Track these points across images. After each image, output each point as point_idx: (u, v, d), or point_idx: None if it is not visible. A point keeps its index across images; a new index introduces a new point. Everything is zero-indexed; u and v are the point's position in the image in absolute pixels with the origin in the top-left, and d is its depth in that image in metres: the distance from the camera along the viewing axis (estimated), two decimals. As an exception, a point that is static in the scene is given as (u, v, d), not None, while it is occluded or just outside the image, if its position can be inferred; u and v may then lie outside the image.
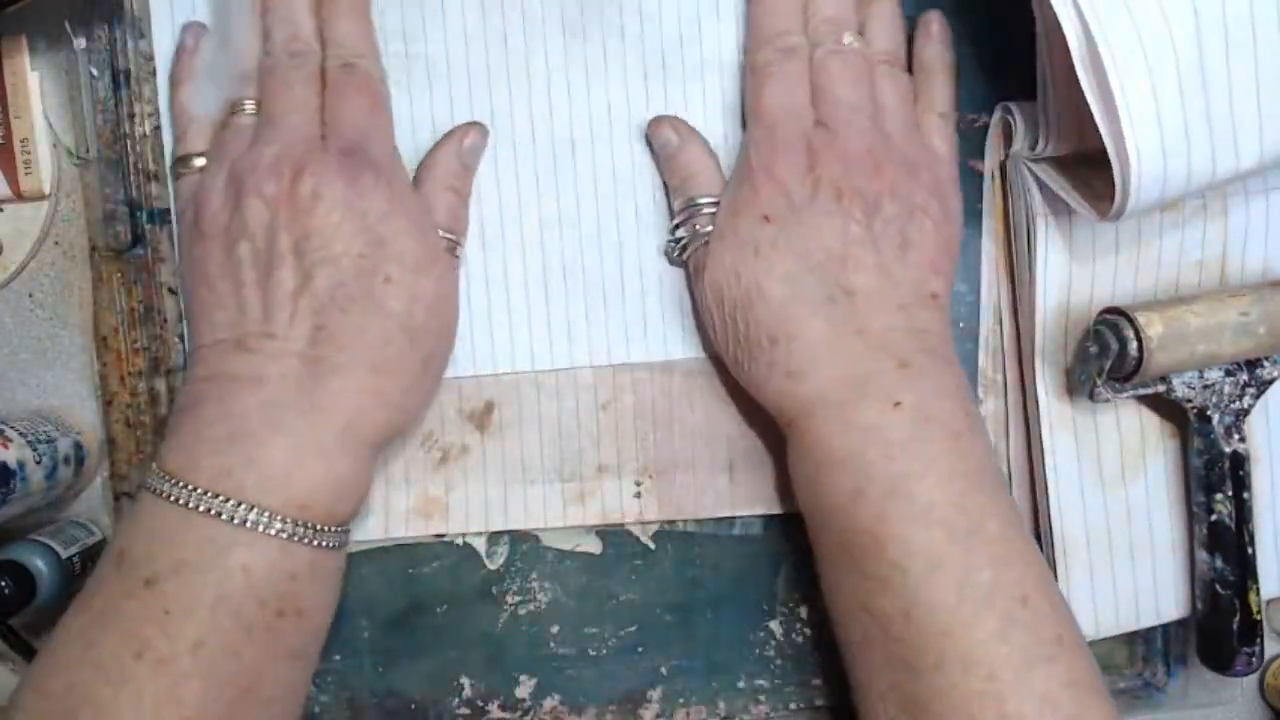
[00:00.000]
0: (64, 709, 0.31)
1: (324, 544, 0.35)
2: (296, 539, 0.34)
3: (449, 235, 0.39)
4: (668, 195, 0.41)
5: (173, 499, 0.33)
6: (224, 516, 0.33)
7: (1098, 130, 0.33)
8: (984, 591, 0.33)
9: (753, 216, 0.37)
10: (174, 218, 0.40)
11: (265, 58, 0.38)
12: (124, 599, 0.33)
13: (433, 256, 0.37)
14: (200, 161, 0.38)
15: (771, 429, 0.42)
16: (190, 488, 0.33)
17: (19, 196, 0.40)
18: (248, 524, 0.33)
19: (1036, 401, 0.41)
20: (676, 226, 0.40)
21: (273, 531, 0.33)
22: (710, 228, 0.39)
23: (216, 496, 0.33)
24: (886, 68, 0.39)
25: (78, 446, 0.40)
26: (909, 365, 0.36)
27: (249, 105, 0.38)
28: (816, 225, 0.36)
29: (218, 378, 0.35)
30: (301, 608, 0.34)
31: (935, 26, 0.41)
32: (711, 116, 0.41)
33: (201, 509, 0.33)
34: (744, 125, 0.40)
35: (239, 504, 0.33)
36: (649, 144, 0.41)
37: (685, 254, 0.40)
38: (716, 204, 0.39)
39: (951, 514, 0.34)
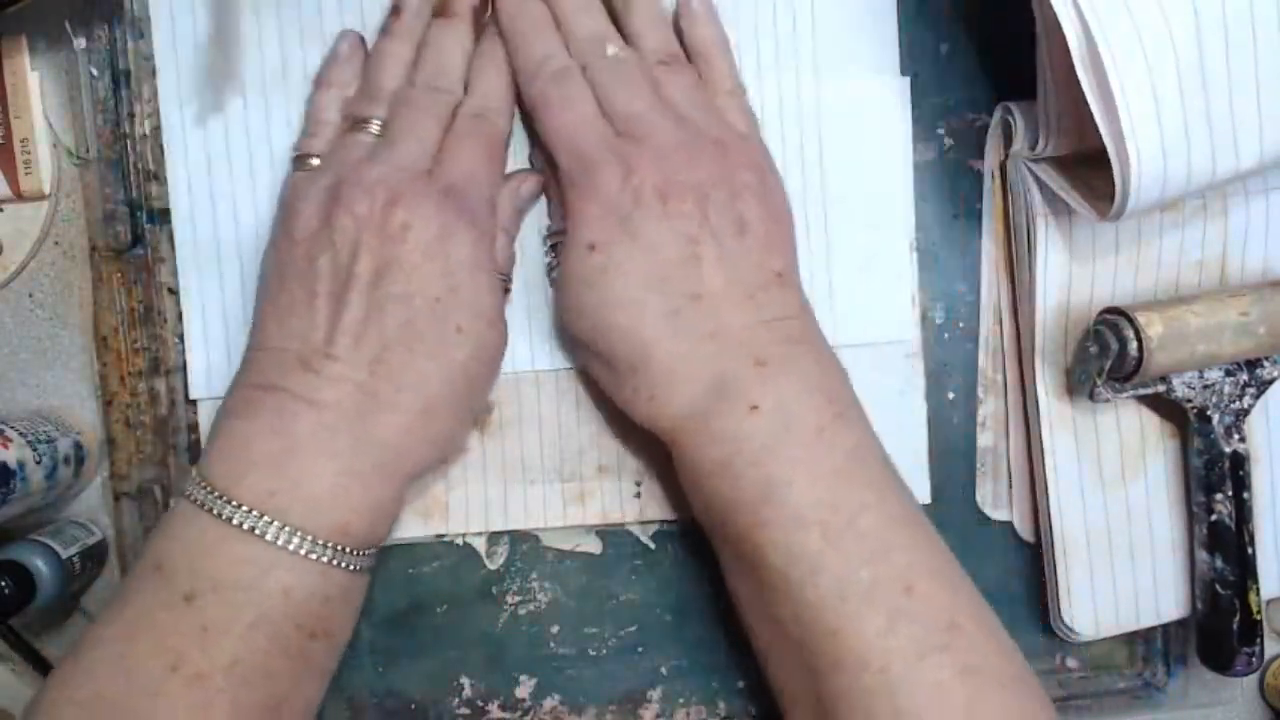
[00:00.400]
0: (91, 717, 0.31)
1: (358, 567, 0.35)
2: (335, 564, 0.34)
3: (503, 276, 0.40)
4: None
5: (215, 513, 0.33)
6: (267, 537, 0.33)
7: (1098, 130, 0.33)
8: (864, 587, 0.33)
9: (581, 249, 0.36)
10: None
11: (407, 86, 0.38)
12: (160, 611, 0.32)
13: (499, 311, 0.38)
14: (315, 162, 0.38)
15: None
16: (235, 504, 0.33)
17: (19, 196, 0.40)
18: (290, 547, 0.33)
19: (1036, 401, 0.41)
20: (549, 249, 0.41)
21: (314, 556, 0.33)
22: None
23: (261, 516, 0.33)
24: (663, 67, 0.38)
25: (78, 446, 0.40)
26: (766, 363, 0.35)
27: (375, 125, 0.38)
28: (648, 236, 0.36)
29: (275, 390, 0.35)
30: (331, 629, 0.35)
31: (695, 5, 0.39)
32: (711, 116, 0.41)
33: (245, 527, 0.33)
34: (548, 167, 0.39)
35: (283, 526, 0.33)
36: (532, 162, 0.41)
37: (554, 276, 0.40)
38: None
39: (823, 513, 0.33)
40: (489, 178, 0.38)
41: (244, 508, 0.33)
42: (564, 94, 0.38)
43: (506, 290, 0.40)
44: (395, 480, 0.36)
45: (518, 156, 0.41)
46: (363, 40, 0.40)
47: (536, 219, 0.41)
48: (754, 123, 0.40)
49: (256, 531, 0.33)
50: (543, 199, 0.41)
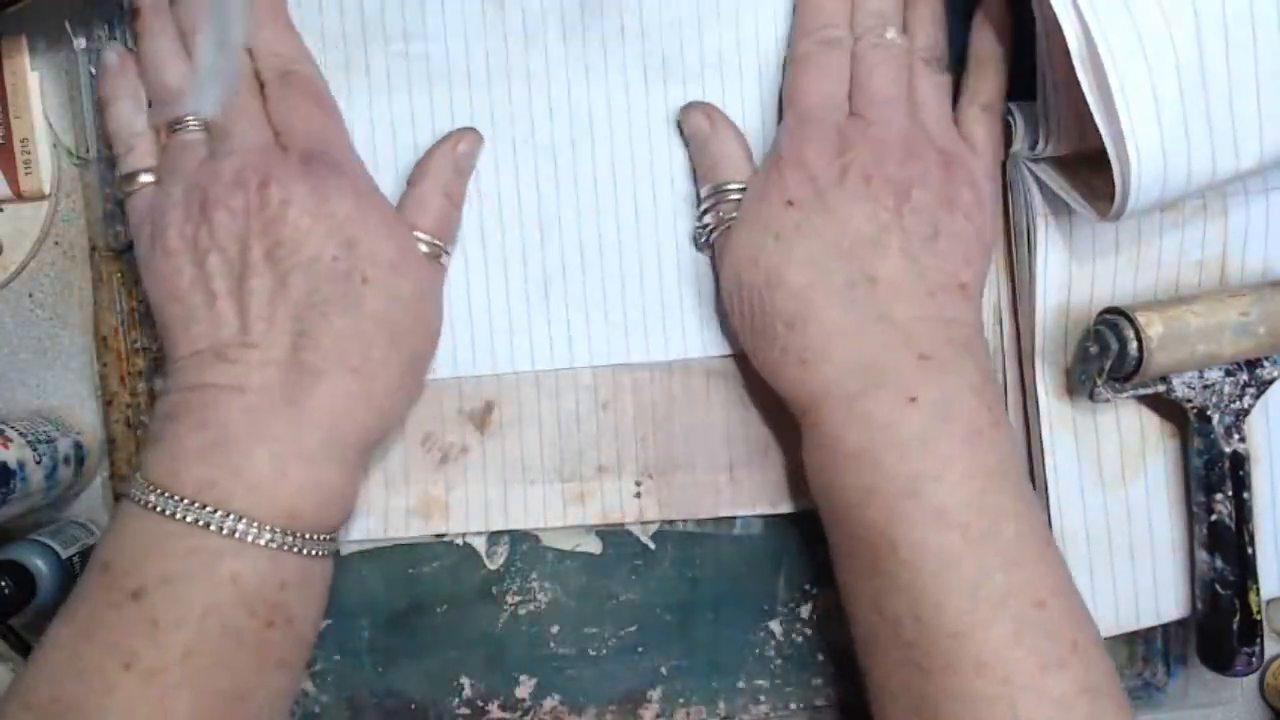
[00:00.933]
0: None
1: (312, 552, 0.35)
2: (285, 548, 0.34)
3: (435, 241, 0.39)
4: (695, 182, 0.41)
5: (157, 509, 0.33)
6: (211, 527, 0.32)
7: (1098, 130, 0.33)
8: (998, 594, 0.33)
9: (777, 201, 0.37)
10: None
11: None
12: (109, 610, 0.32)
13: (407, 256, 0.37)
14: (147, 178, 0.38)
15: (772, 429, 0.42)
16: (175, 498, 0.33)
17: (19, 196, 0.40)
18: (236, 534, 0.33)
19: (1036, 401, 0.41)
20: (704, 212, 0.40)
21: (262, 541, 0.33)
22: (735, 214, 0.39)
23: (204, 507, 0.33)
24: (925, 65, 0.39)
25: (78, 446, 0.40)
26: (930, 358, 0.35)
27: (192, 121, 0.37)
28: (843, 210, 0.36)
29: (199, 387, 0.35)
30: (291, 616, 0.34)
31: (995, 12, 0.40)
32: (711, 116, 0.41)
33: (188, 519, 0.33)
34: (779, 116, 0.40)
35: (226, 514, 0.33)
36: (679, 131, 0.41)
37: (710, 239, 0.40)
38: (743, 190, 0.39)
39: (967, 516, 0.33)
40: (333, 125, 0.39)
41: (185, 500, 0.33)
42: (824, 61, 0.38)
43: (439, 256, 0.39)
44: (342, 456, 0.35)
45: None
46: (128, 49, 0.39)
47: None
48: (996, 142, 0.40)
49: (200, 522, 0.32)
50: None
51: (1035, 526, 0.35)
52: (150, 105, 0.38)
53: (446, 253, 0.40)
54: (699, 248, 0.41)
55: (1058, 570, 0.34)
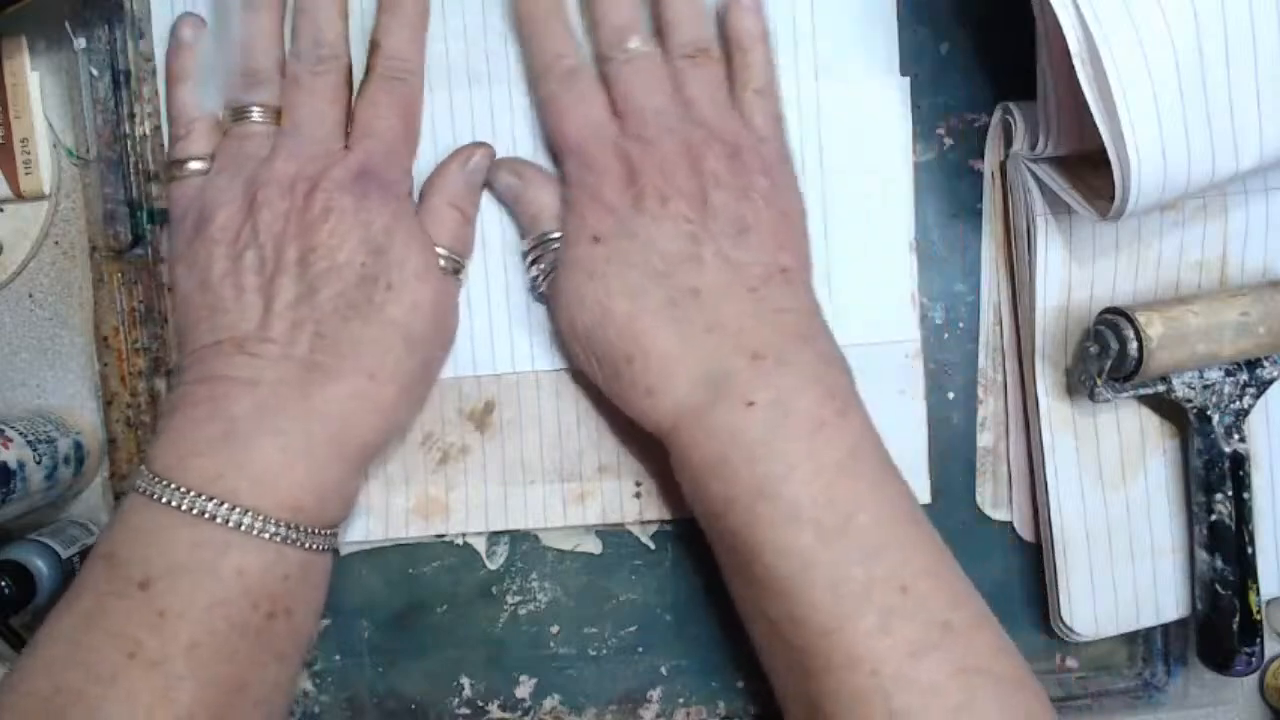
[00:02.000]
0: (52, 709, 0.31)
1: (315, 546, 0.35)
2: (289, 542, 0.34)
3: (452, 255, 0.39)
4: (519, 230, 0.41)
5: (164, 500, 0.33)
6: (218, 519, 0.33)
7: (1098, 130, 0.33)
8: (859, 586, 0.32)
9: (584, 241, 0.37)
10: (169, 218, 0.39)
11: (291, 62, 0.38)
12: (114, 599, 0.32)
13: (430, 266, 0.38)
14: (198, 164, 0.38)
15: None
16: (182, 490, 0.33)
17: (19, 196, 0.40)
18: (242, 527, 0.33)
19: (1036, 401, 0.41)
20: (531, 263, 0.40)
21: (267, 535, 0.33)
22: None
23: (210, 499, 0.33)
24: (688, 61, 0.38)
25: (78, 446, 0.40)
26: (764, 356, 0.35)
27: (256, 112, 0.38)
28: (648, 234, 0.36)
29: (211, 379, 0.35)
30: (291, 608, 0.34)
31: None
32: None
33: (194, 511, 0.33)
34: (553, 160, 0.40)
35: (233, 507, 0.33)
36: (491, 185, 0.40)
37: (542, 288, 0.40)
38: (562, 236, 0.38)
39: (819, 511, 0.33)
40: (406, 145, 0.39)
41: (191, 492, 0.33)
42: (572, 95, 0.38)
43: (457, 271, 0.39)
44: (346, 456, 0.36)
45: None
46: (203, 21, 0.39)
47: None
48: (778, 122, 0.39)
49: (206, 515, 0.33)
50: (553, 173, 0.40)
51: (894, 511, 0.34)
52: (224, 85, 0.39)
53: (463, 266, 0.40)
54: (535, 299, 0.41)
55: (923, 552, 0.34)
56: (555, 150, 0.39)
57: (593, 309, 0.37)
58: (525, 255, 0.40)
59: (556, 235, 0.39)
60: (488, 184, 0.40)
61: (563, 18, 0.39)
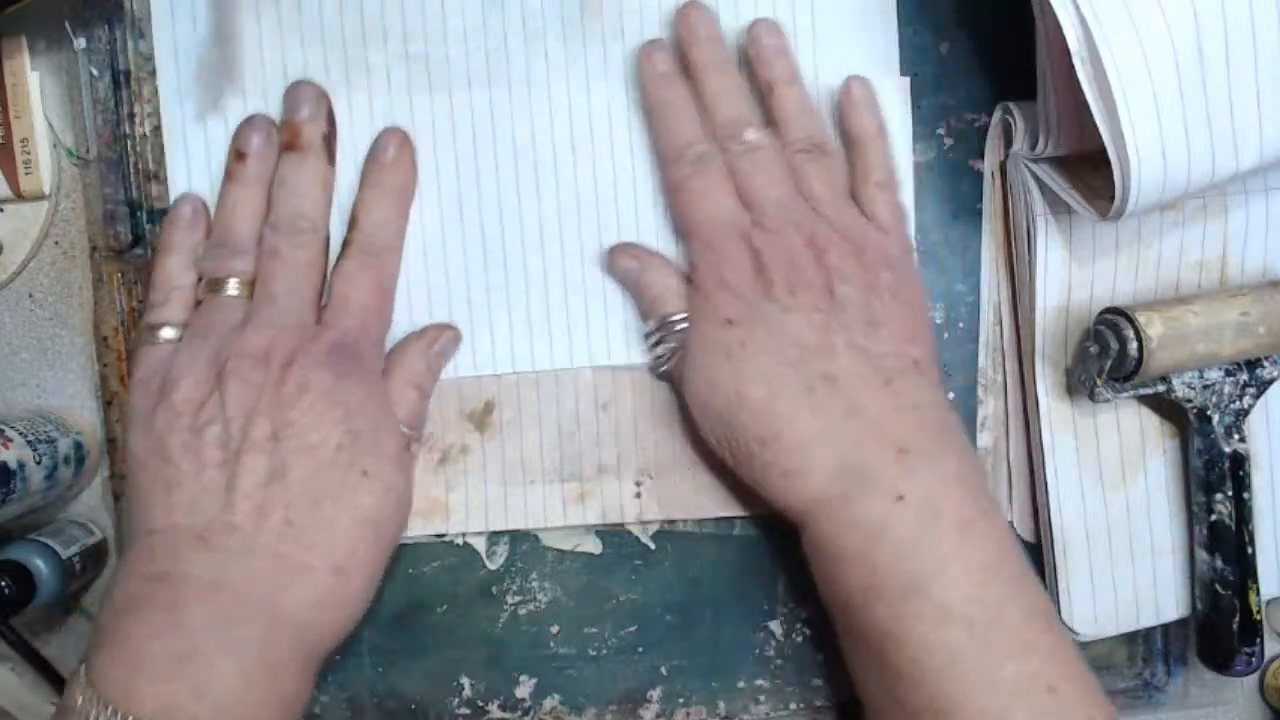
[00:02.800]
0: None
1: None
2: None
3: (408, 431, 0.39)
4: (640, 312, 0.41)
5: None
6: None
7: (1098, 130, 0.33)
8: (1010, 684, 0.32)
9: (716, 323, 0.37)
10: (132, 382, 0.37)
11: (269, 233, 0.37)
12: None
13: (402, 449, 0.38)
14: (170, 332, 0.37)
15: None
16: None
17: (19, 196, 0.40)
18: None
19: (1036, 401, 0.41)
20: (655, 344, 0.40)
21: None
22: (684, 341, 0.38)
23: None
24: (804, 155, 0.38)
25: (78, 446, 0.40)
26: (908, 451, 0.35)
27: (232, 283, 0.37)
28: (780, 322, 0.36)
29: (168, 578, 0.32)
30: None
31: (856, 93, 0.40)
32: (711, 116, 0.41)
33: None
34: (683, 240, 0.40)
35: None
36: (610, 270, 0.41)
37: (667, 367, 0.40)
38: (686, 318, 0.39)
39: (970, 610, 0.33)
40: (379, 320, 0.39)
41: None
42: (703, 181, 0.38)
43: (410, 444, 0.39)
44: (306, 660, 0.34)
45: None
46: (205, 205, 0.39)
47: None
48: (901, 215, 0.40)
49: None
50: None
51: (1039, 611, 0.34)
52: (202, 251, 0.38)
53: (417, 441, 0.40)
54: (658, 376, 0.41)
55: (1065, 651, 0.34)
56: (684, 233, 0.39)
57: (727, 391, 0.36)
58: (648, 336, 0.40)
59: (677, 317, 0.39)
60: (610, 269, 0.40)
61: (691, 106, 0.39)
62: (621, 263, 0.40)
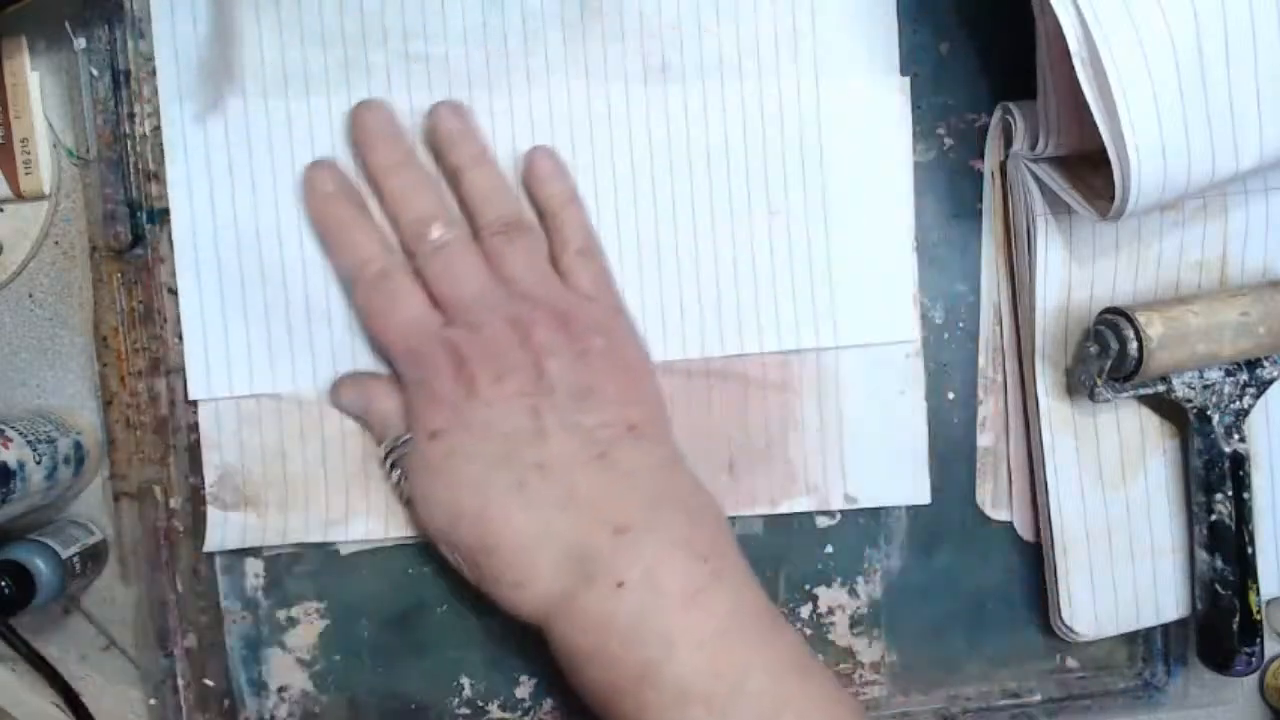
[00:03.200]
0: None
1: None
2: None
3: None
4: (375, 441, 0.40)
5: None
6: None
7: (1098, 130, 0.33)
8: None
9: (424, 438, 0.36)
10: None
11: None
12: None
13: None
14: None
15: (772, 429, 0.42)
16: None
17: (19, 196, 0.40)
18: None
19: (1036, 401, 0.41)
20: (391, 467, 0.39)
21: None
22: None
23: None
24: (500, 237, 0.38)
25: (78, 446, 0.40)
26: (626, 529, 0.34)
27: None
28: (485, 419, 0.35)
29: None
30: None
31: (538, 165, 0.39)
32: (712, 116, 0.41)
33: None
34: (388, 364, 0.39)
35: None
36: (336, 404, 0.40)
37: (402, 493, 0.39)
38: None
39: (707, 685, 0.32)
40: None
41: None
42: (386, 297, 0.37)
43: None
44: None
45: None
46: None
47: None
48: (605, 278, 0.39)
49: None
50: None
51: (784, 667, 0.34)
52: None
53: None
54: (403, 504, 0.40)
55: (820, 700, 0.33)
56: (383, 351, 0.38)
57: (444, 509, 0.36)
58: (383, 461, 0.39)
59: (406, 438, 0.38)
60: (334, 405, 0.40)
61: (362, 222, 0.38)
62: (346, 396, 0.39)
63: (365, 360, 0.40)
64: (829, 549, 0.43)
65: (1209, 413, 0.40)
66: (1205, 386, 0.40)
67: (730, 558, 0.35)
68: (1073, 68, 0.33)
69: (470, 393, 0.35)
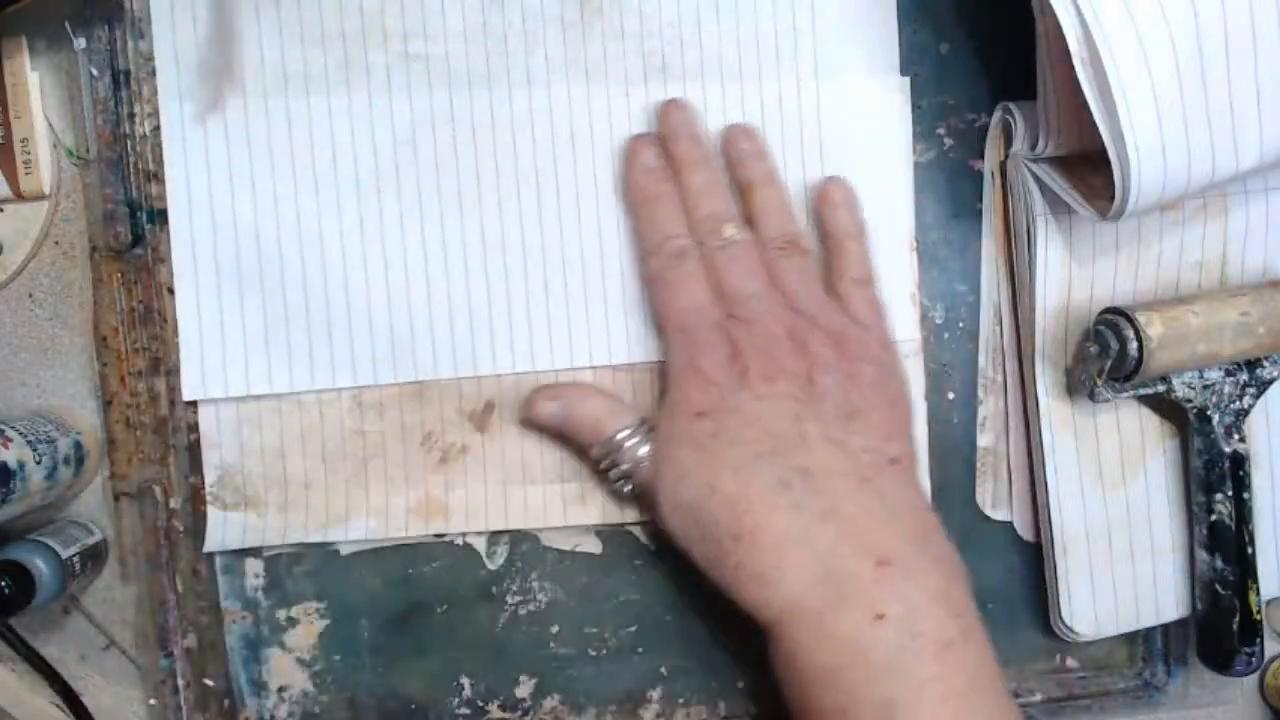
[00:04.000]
0: None
1: None
2: None
3: None
4: (584, 447, 0.40)
5: None
6: None
7: (1098, 130, 0.33)
8: None
9: (688, 415, 0.36)
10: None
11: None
12: None
13: None
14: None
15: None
16: None
17: (19, 196, 0.40)
18: None
19: (1036, 401, 0.41)
20: (608, 469, 0.39)
21: None
22: (643, 449, 0.38)
23: None
24: (780, 252, 0.39)
25: (78, 446, 0.40)
26: (889, 563, 0.34)
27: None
28: (754, 411, 0.35)
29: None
30: None
31: (835, 194, 0.40)
32: (712, 116, 0.41)
33: None
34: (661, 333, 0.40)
35: None
36: (531, 419, 0.40)
37: (632, 484, 0.39)
38: (631, 431, 0.38)
39: None
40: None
41: None
42: (679, 273, 0.38)
43: None
44: None
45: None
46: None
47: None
48: (880, 311, 0.40)
49: None
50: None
51: None
52: None
53: None
54: (624, 499, 0.40)
55: None
56: (660, 325, 0.39)
57: (699, 485, 0.35)
58: (600, 464, 0.39)
59: (623, 433, 0.38)
60: (532, 420, 0.40)
61: (675, 201, 0.39)
62: (545, 409, 0.39)
63: (364, 360, 0.40)
64: (829, 549, 0.43)
65: (1209, 413, 0.40)
66: (1205, 386, 0.40)
67: (977, 620, 0.35)
68: (1073, 68, 0.33)
69: (742, 382, 0.36)
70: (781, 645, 0.35)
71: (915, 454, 0.38)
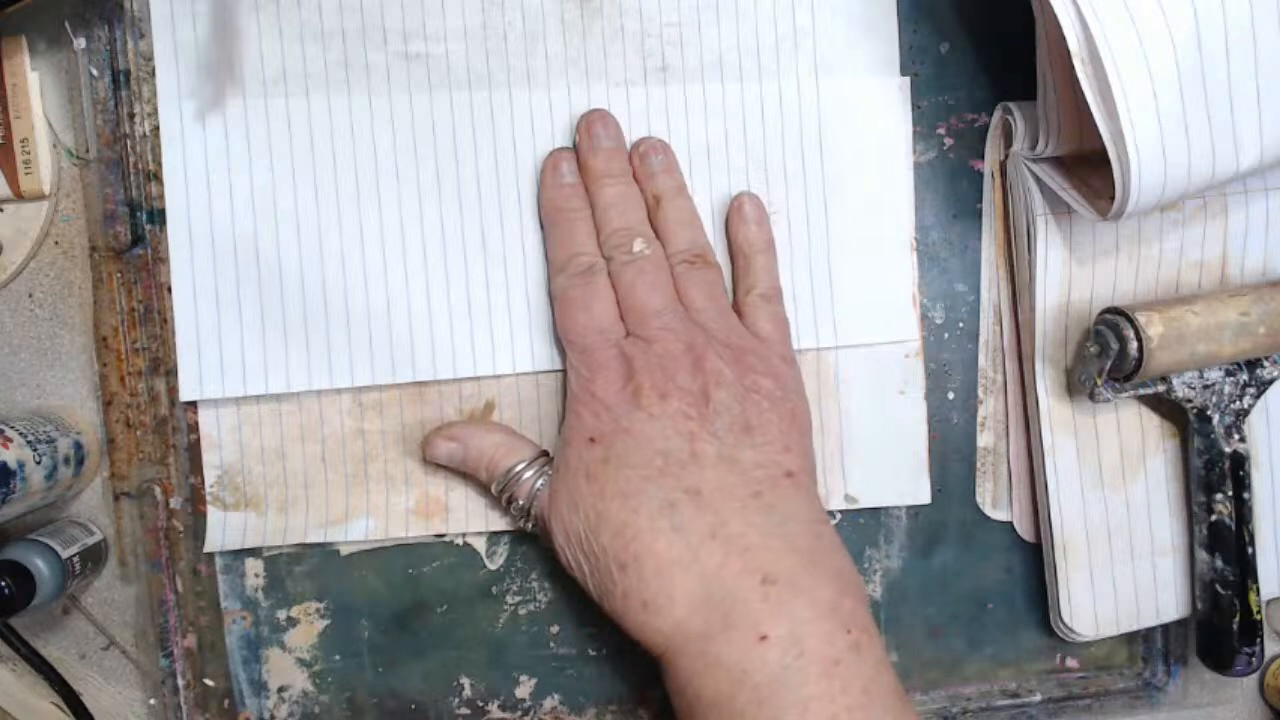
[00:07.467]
0: None
1: None
2: None
3: None
4: (483, 483, 0.40)
5: None
6: None
7: (1098, 130, 0.33)
8: None
9: (581, 441, 0.36)
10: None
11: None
12: None
13: None
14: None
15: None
16: None
17: (19, 196, 0.40)
18: None
19: (1036, 401, 0.41)
20: (508, 502, 0.39)
21: None
22: (539, 482, 0.38)
23: None
24: (686, 265, 0.39)
25: (78, 446, 0.40)
26: (774, 581, 0.33)
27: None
28: (646, 432, 0.35)
29: None
30: None
31: (746, 208, 0.40)
32: (712, 116, 0.41)
33: None
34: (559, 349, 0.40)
35: None
36: (431, 459, 0.40)
37: (531, 517, 0.39)
38: (526, 464, 0.38)
39: None
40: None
41: None
42: (584, 291, 0.38)
43: None
44: None
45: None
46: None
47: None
48: (783, 326, 0.40)
49: None
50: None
51: None
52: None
53: None
54: (528, 532, 0.40)
55: None
56: (564, 344, 0.39)
57: (587, 512, 0.36)
58: (499, 497, 0.39)
59: (518, 466, 0.38)
60: (432, 461, 0.40)
61: (587, 217, 0.39)
62: (441, 449, 0.39)
63: (364, 360, 0.40)
64: (829, 549, 0.43)
65: (1209, 413, 0.40)
66: (1205, 386, 0.40)
67: (870, 632, 0.34)
68: (1073, 68, 0.33)
69: (634, 402, 0.36)
70: (674, 675, 0.34)
71: (813, 470, 0.38)
